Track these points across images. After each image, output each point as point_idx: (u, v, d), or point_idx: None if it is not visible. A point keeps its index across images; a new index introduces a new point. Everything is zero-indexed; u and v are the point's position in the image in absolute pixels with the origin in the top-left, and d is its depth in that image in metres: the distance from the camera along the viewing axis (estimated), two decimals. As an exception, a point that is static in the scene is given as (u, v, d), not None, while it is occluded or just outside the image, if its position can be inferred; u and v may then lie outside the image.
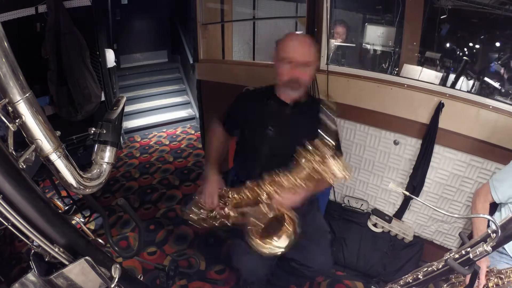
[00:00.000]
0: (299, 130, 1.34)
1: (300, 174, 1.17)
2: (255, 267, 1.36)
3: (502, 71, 1.98)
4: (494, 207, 1.39)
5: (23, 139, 0.64)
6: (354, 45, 2.46)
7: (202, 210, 1.40)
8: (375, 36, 2.18)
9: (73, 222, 0.73)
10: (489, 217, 0.71)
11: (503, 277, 1.17)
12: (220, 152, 1.51)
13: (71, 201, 2.44)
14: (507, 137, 1.49)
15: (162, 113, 4.48)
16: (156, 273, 1.82)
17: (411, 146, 1.77)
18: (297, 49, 1.27)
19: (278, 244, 1.16)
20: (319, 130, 1.22)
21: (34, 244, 0.62)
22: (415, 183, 1.76)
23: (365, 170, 1.96)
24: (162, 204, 2.59)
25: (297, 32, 1.38)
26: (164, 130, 4.29)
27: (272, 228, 1.18)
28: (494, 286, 1.18)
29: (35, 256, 0.66)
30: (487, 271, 1.21)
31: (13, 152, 0.59)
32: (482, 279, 1.12)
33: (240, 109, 1.49)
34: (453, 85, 1.91)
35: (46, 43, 2.63)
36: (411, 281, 0.96)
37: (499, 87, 1.93)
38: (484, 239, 0.74)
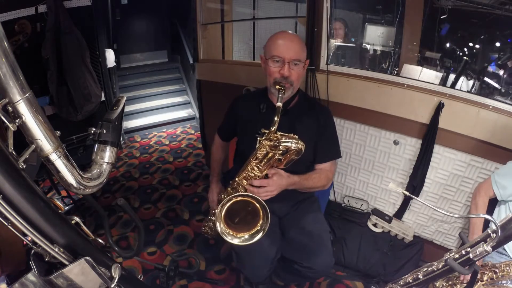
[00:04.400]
0: (293, 132, 1.36)
1: (262, 161, 1.19)
2: (258, 267, 1.36)
3: (502, 71, 1.98)
4: (493, 204, 1.39)
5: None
6: (354, 45, 2.46)
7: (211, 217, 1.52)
8: (375, 36, 2.18)
9: (73, 222, 0.73)
10: (489, 217, 0.71)
11: (497, 271, 1.17)
12: (220, 162, 1.67)
13: (71, 201, 2.44)
14: (507, 137, 1.49)
15: (162, 113, 4.49)
16: (156, 273, 1.82)
17: (411, 146, 1.77)
18: (287, 46, 1.26)
19: (249, 237, 1.15)
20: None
21: (34, 243, 0.62)
22: (415, 183, 1.76)
23: (365, 170, 1.96)
24: (162, 204, 2.59)
25: (287, 31, 1.35)
26: (164, 130, 4.30)
27: (246, 221, 1.18)
28: (489, 280, 1.19)
29: (35, 256, 0.66)
30: (482, 265, 1.22)
31: (13, 152, 0.59)
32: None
33: (234, 115, 1.52)
34: (453, 85, 1.91)
35: (46, 43, 2.63)
36: (411, 281, 0.96)
37: (499, 87, 1.93)
38: (484, 239, 0.74)
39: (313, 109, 1.43)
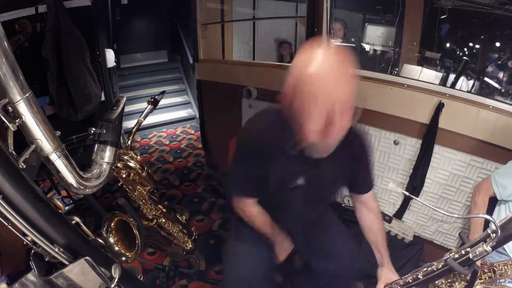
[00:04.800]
0: (333, 179, 1.07)
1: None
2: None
3: (502, 71, 1.98)
4: (493, 204, 1.39)
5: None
6: (354, 45, 2.46)
7: None
8: (375, 36, 2.18)
9: (73, 222, 0.73)
10: (489, 217, 0.71)
11: (496, 270, 1.18)
12: (268, 220, 1.17)
13: (71, 201, 2.44)
14: (507, 137, 1.49)
15: (162, 113, 4.49)
16: (156, 273, 1.82)
17: (411, 146, 1.77)
18: (343, 85, 0.77)
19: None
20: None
21: (34, 243, 0.62)
22: (415, 183, 1.76)
23: (365, 170, 1.96)
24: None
25: (321, 49, 0.80)
26: (164, 130, 4.30)
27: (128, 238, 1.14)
28: (487, 278, 1.19)
29: (35, 256, 0.66)
30: (480, 264, 1.22)
31: (13, 152, 0.59)
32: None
33: (258, 162, 1.01)
34: (453, 85, 1.91)
35: (46, 43, 2.63)
36: (410, 281, 0.95)
37: (499, 87, 1.93)
38: (484, 239, 0.74)
39: (353, 145, 1.06)
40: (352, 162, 1.05)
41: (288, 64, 2.15)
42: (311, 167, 0.98)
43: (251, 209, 1.13)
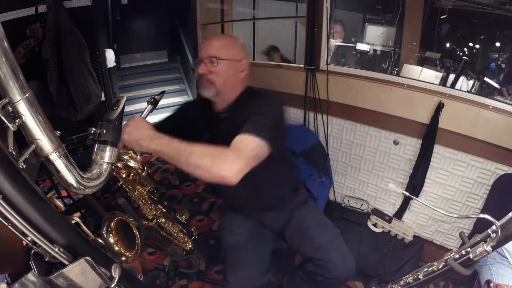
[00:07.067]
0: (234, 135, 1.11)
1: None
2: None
3: (502, 71, 1.98)
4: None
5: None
6: (354, 45, 2.46)
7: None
8: (375, 36, 2.18)
9: (73, 222, 0.73)
10: (489, 217, 0.71)
11: None
12: None
13: (71, 201, 2.44)
14: (507, 137, 1.49)
15: (162, 113, 4.46)
16: (156, 273, 1.82)
17: (411, 146, 1.77)
18: (204, 44, 1.28)
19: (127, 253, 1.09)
20: None
21: (34, 243, 0.62)
22: (415, 183, 1.76)
23: (365, 170, 1.96)
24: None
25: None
26: (164, 130, 4.30)
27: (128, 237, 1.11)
28: None
29: (35, 256, 0.66)
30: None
31: (13, 152, 0.59)
32: None
33: (180, 119, 1.44)
34: (453, 85, 1.91)
35: (46, 43, 2.63)
36: (411, 281, 0.95)
37: (499, 87, 1.93)
38: (484, 239, 0.74)
39: (253, 100, 1.23)
40: (248, 116, 1.11)
41: (288, 64, 2.16)
42: (217, 123, 1.27)
43: None
